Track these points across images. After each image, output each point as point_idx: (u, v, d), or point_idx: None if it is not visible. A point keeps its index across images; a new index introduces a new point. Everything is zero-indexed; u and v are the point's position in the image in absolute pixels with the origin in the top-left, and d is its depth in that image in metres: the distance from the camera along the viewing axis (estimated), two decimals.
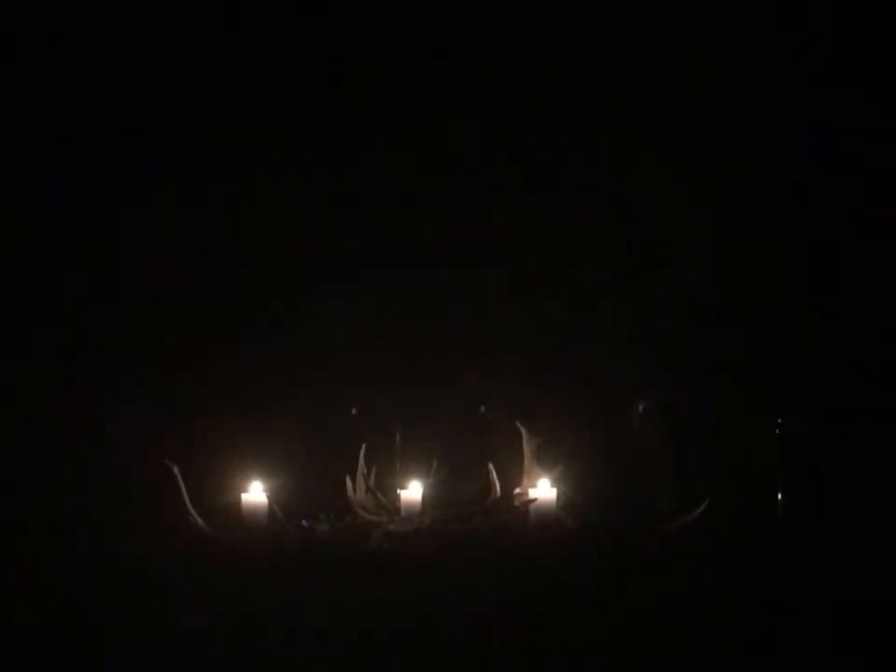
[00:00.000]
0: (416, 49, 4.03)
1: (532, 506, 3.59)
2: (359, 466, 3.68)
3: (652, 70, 4.02)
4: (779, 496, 3.88)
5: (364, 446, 3.70)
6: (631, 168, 4.06)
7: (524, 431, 3.72)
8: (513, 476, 3.68)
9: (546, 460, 3.69)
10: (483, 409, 4.06)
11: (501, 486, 3.64)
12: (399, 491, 3.70)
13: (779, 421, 3.96)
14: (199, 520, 3.53)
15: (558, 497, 3.62)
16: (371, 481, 3.69)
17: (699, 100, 4.01)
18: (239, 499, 3.59)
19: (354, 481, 3.67)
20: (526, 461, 3.69)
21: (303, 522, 3.61)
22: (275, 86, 4.04)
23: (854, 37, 3.97)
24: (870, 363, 3.96)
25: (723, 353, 4.01)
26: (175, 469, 3.52)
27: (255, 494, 3.59)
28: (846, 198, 3.98)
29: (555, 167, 4.06)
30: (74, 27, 3.95)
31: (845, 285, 4.00)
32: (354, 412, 4.04)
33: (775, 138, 4.01)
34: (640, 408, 4.02)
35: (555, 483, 3.64)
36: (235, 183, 4.03)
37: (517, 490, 3.67)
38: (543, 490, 3.62)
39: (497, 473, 3.64)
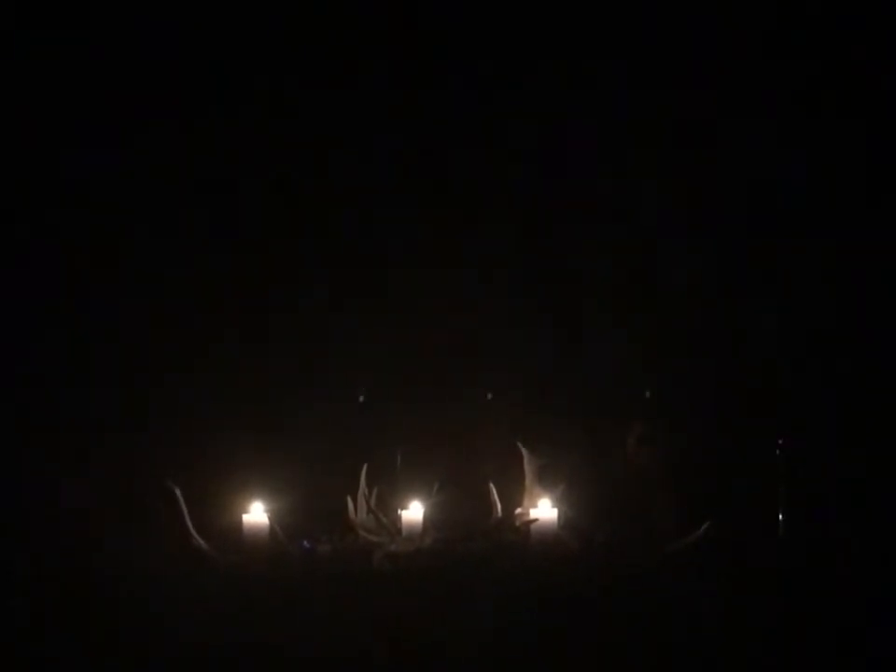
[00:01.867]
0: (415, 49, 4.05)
1: (533, 526, 3.59)
2: (361, 486, 3.68)
3: (654, 76, 4.04)
4: (780, 515, 3.87)
5: (365, 466, 3.70)
6: (630, 178, 4.07)
7: (525, 452, 3.71)
8: (515, 496, 3.68)
9: (547, 480, 3.69)
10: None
11: (502, 506, 3.64)
12: (400, 511, 3.70)
13: (780, 441, 3.96)
14: (200, 541, 3.52)
15: (559, 517, 3.62)
16: (373, 501, 3.68)
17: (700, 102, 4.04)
18: (240, 520, 3.58)
19: (355, 501, 3.67)
20: (528, 481, 3.69)
21: (305, 542, 3.61)
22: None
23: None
24: (870, 381, 3.97)
25: (723, 370, 4.02)
26: (177, 490, 3.52)
27: (256, 514, 3.58)
28: (846, 206, 4.00)
29: (556, 177, 4.08)
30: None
31: (845, 304, 4.01)
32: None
33: (772, 142, 4.04)
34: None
35: (556, 503, 3.64)
36: (234, 186, 4.04)
37: (518, 510, 3.67)
38: (544, 510, 3.61)
39: (498, 492, 3.65)
